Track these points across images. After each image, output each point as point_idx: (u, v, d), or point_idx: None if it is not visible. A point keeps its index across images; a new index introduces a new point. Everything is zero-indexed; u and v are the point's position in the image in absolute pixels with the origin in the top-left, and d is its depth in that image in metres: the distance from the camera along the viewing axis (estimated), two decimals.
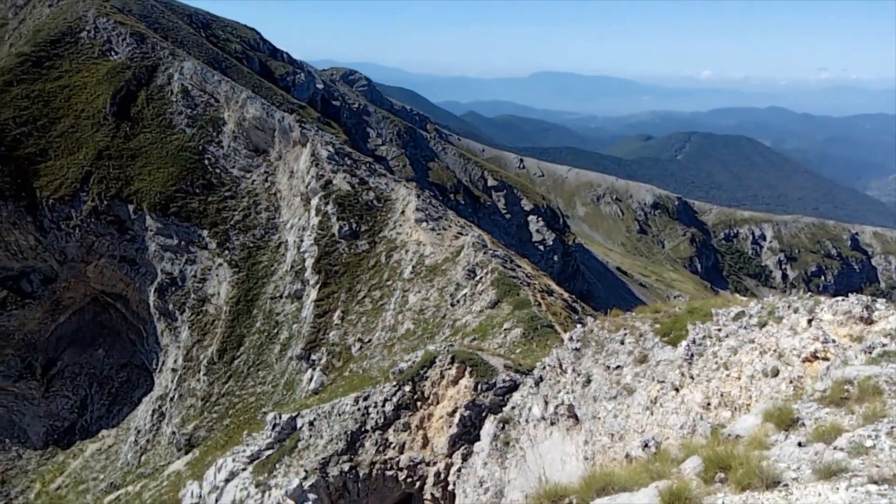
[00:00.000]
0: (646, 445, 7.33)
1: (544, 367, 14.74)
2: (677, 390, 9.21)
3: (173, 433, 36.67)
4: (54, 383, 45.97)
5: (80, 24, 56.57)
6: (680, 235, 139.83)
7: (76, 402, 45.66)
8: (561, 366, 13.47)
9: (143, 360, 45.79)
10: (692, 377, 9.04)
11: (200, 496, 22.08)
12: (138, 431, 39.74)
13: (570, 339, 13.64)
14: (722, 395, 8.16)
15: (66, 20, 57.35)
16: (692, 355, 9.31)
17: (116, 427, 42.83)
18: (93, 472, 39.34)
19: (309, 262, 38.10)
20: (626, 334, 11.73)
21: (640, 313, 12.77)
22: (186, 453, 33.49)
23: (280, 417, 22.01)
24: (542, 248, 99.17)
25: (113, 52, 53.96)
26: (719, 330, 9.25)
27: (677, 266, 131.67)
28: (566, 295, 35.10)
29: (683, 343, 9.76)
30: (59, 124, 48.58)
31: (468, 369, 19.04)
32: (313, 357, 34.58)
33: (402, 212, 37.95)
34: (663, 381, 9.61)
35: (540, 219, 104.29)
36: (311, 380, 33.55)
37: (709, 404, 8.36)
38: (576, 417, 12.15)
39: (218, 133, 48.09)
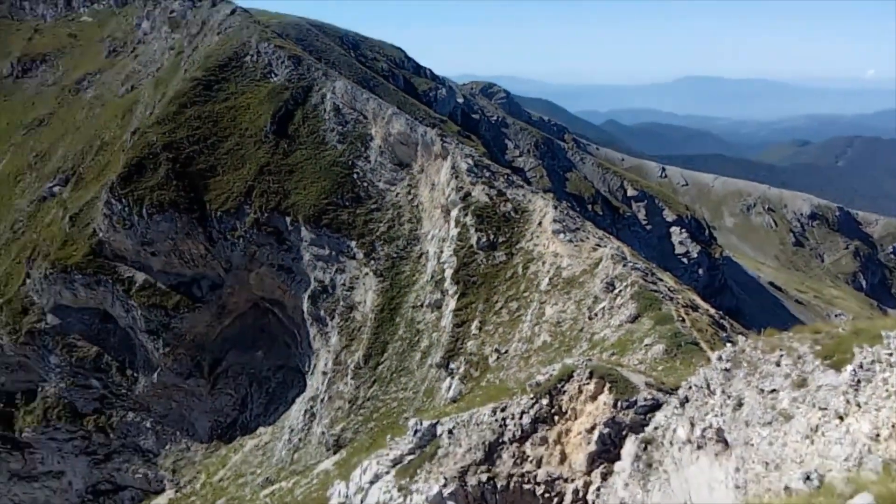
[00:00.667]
0: (807, 478, 6.95)
1: (690, 387, 14.21)
2: (841, 419, 8.63)
3: (323, 433, 38.88)
4: (219, 382, 50.26)
5: (244, 49, 61.71)
6: (841, 249, 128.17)
7: (238, 399, 49.64)
8: (709, 386, 12.97)
9: (297, 362, 48.96)
10: (859, 405, 8.44)
11: (347, 496, 23.25)
12: (291, 430, 42.53)
13: (720, 358, 13.08)
14: (893, 427, 7.57)
15: (232, 46, 62.79)
16: (859, 381, 8.68)
17: (272, 425, 46.09)
18: (251, 467, 42.57)
19: (448, 273, 39.06)
20: (782, 356, 11.10)
21: (798, 333, 12.02)
22: (334, 453, 35.39)
23: (421, 424, 22.70)
24: (685, 261, 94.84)
25: (273, 75, 58.33)
26: (890, 354, 8.57)
27: (839, 282, 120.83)
28: (712, 311, 33.44)
29: (849, 367, 9.10)
30: (226, 142, 53.22)
31: (607, 385, 18.69)
32: (452, 366, 35.36)
33: (539, 223, 37.98)
34: (825, 409, 9.03)
35: (683, 230, 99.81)
36: (449, 388, 34.32)
37: (878, 436, 7.78)
38: (725, 442, 11.66)
39: (366, 148, 50.53)
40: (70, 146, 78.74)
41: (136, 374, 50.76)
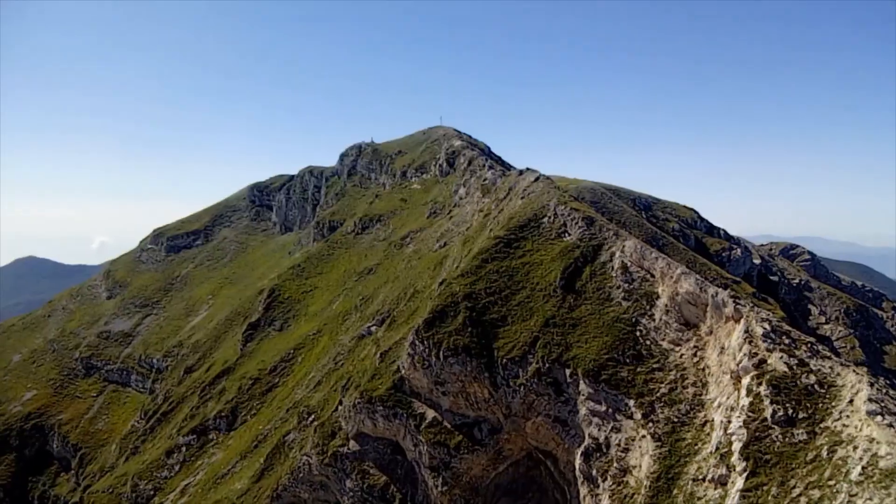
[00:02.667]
0: None
1: None
2: None
3: None
4: None
5: (543, 211, 66.91)
6: None
7: None
8: None
9: None
10: None
11: None
12: None
13: None
14: None
15: (532, 208, 68.56)
16: None
17: None
18: None
19: (736, 447, 35.49)
20: None
21: None
22: None
23: None
24: None
25: (566, 234, 61.92)
26: None
27: None
28: None
29: None
30: (518, 295, 56.90)
31: None
32: None
33: (850, 401, 32.99)
34: None
35: None
36: None
37: None
38: None
39: (651, 306, 49.97)
40: (389, 292, 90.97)
41: None
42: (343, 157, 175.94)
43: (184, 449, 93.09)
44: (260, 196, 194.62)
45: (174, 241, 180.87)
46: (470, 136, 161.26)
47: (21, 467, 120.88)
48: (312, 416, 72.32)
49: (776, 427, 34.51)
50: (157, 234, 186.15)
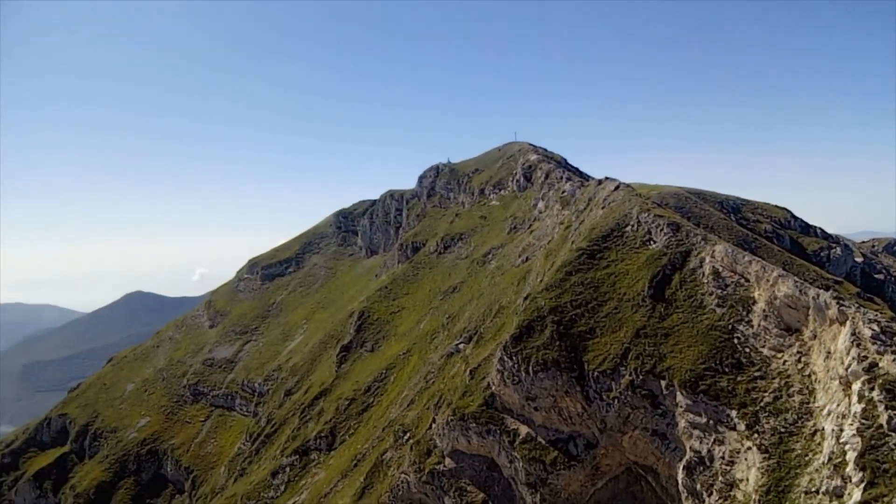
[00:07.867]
0: None
1: None
2: None
3: None
4: None
5: (625, 220, 65.82)
6: None
7: None
8: None
9: None
10: None
11: None
12: None
13: None
14: None
15: (614, 218, 67.56)
16: None
17: None
18: None
19: (851, 456, 33.61)
20: None
21: None
22: None
23: None
24: None
25: (652, 242, 60.64)
26: None
27: None
28: None
29: None
30: (605, 306, 56.10)
31: None
32: None
33: None
34: None
35: None
36: None
37: None
38: None
39: (748, 312, 48.18)
40: (475, 309, 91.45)
41: None
42: (422, 178, 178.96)
43: (288, 469, 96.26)
44: (345, 222, 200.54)
45: (268, 269, 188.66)
46: (545, 150, 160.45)
47: (139, 491, 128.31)
48: (408, 435, 73.40)
49: (893, 434, 32.53)
50: (253, 264, 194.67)
